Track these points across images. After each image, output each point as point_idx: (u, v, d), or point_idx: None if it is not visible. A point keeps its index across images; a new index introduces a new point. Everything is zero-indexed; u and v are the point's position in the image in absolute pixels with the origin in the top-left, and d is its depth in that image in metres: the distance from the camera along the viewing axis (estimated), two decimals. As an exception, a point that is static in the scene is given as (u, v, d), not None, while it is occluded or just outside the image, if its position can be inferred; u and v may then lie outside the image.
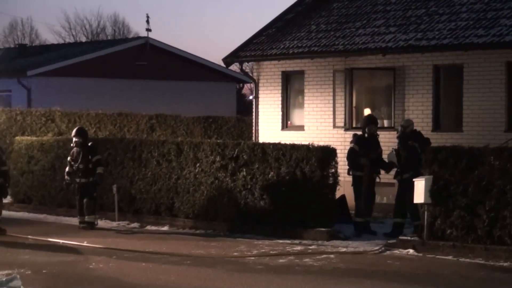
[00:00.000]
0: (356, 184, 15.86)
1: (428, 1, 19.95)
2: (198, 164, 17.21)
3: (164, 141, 18.34)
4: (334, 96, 20.09)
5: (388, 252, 13.98)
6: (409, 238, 14.26)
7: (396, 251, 13.97)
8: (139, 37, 36.51)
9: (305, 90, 20.61)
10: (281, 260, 13.25)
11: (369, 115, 17.16)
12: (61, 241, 15.45)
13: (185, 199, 17.32)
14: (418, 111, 18.74)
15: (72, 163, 17.40)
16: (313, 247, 14.59)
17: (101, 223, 17.66)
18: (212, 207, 16.85)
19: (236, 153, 16.62)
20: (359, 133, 16.40)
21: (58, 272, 12.31)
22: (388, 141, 17.34)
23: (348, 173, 16.04)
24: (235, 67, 25.89)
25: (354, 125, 19.43)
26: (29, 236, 16.01)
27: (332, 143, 17.14)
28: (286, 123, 21.13)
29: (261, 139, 20.68)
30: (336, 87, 20.08)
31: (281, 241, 15.15)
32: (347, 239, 15.19)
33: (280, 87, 21.09)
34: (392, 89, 19.16)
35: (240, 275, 12.08)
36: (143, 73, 32.15)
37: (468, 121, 18.08)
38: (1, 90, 30.61)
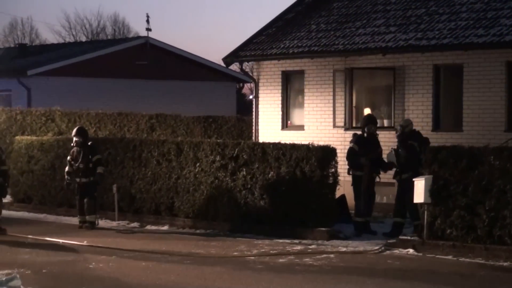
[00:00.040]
0: (355, 183, 15.87)
1: (428, 1, 19.94)
2: (198, 164, 17.21)
3: (164, 141, 18.34)
4: (334, 95, 20.09)
5: (388, 251, 13.99)
6: (409, 237, 14.27)
7: (396, 251, 13.97)
8: (139, 37, 36.52)
9: (305, 90, 20.61)
10: (281, 260, 13.25)
11: (368, 115, 17.16)
12: (61, 240, 15.45)
13: (185, 198, 17.32)
14: (418, 110, 18.74)
15: (72, 162, 17.41)
16: (313, 246, 14.59)
17: (101, 222, 17.66)
18: (212, 206, 16.85)
19: (236, 152, 16.62)
20: (359, 132, 16.40)
21: (58, 272, 12.32)
22: (388, 140, 17.34)
23: (348, 173, 16.05)
24: (235, 66, 25.91)
25: (354, 125, 19.43)
26: (29, 236, 16.01)
27: (332, 143, 17.14)
28: (286, 123, 21.13)
29: (261, 139, 20.68)
30: (336, 86, 20.08)
31: (281, 240, 15.15)
32: (347, 238, 15.19)
33: (280, 87, 21.09)
34: (392, 88, 19.16)
35: (240, 274, 12.08)
36: (143, 73, 32.15)
37: (468, 120, 18.08)
38: (1, 89, 30.60)
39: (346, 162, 16.08)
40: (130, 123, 26.24)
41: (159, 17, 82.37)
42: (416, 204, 14.34)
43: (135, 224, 17.79)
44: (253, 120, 21.71)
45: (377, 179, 16.05)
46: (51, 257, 13.68)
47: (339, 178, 15.84)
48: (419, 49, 18.48)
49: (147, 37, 33.37)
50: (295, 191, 15.64)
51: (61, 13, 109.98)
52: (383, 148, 16.21)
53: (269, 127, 21.17)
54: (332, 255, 13.65)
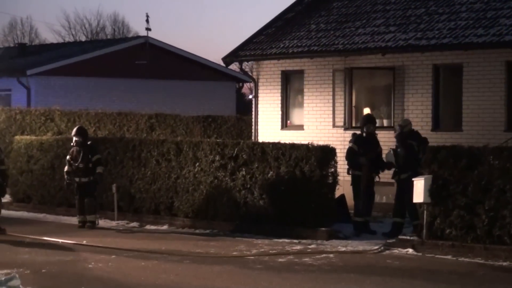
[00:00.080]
0: (355, 183, 15.86)
1: (428, 1, 19.94)
2: (197, 164, 17.21)
3: (163, 141, 18.34)
4: (333, 95, 20.09)
5: (387, 251, 13.98)
6: (408, 237, 14.26)
7: (396, 251, 13.97)
8: (138, 37, 36.52)
9: (305, 90, 20.61)
10: (280, 260, 13.25)
11: (367, 115, 17.16)
12: (60, 240, 15.45)
13: (185, 198, 17.32)
14: (418, 110, 18.74)
15: (72, 162, 17.41)
16: (312, 246, 14.59)
17: (100, 222, 17.65)
18: (211, 206, 16.85)
19: (235, 152, 16.62)
20: (358, 132, 16.40)
21: (57, 272, 12.31)
22: (387, 140, 17.33)
23: (348, 173, 16.04)
24: (234, 66, 25.89)
25: (353, 125, 19.43)
26: (28, 236, 16.00)
27: (332, 143, 17.14)
28: (285, 123, 21.13)
29: (261, 139, 20.68)
30: (335, 86, 20.09)
31: (280, 240, 15.14)
32: (346, 238, 15.19)
33: (279, 87, 21.09)
34: (391, 88, 19.15)
35: (240, 274, 12.07)
36: (143, 73, 32.15)
37: (467, 120, 18.08)
38: (0, 89, 30.60)
39: (346, 162, 16.07)
40: (129, 122, 26.23)
41: (159, 16, 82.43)
42: (416, 204, 14.34)
43: (135, 224, 17.79)
44: (253, 120, 21.71)
45: (377, 179, 16.05)
46: (50, 256, 13.67)
47: (339, 178, 15.84)
48: (418, 49, 18.47)
49: (146, 37, 33.36)
50: (294, 191, 15.64)
51: (60, 13, 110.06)
52: (382, 147, 16.21)
53: (268, 127, 21.17)
54: (331, 255, 13.64)
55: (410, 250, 13.87)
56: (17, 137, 21.95)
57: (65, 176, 17.56)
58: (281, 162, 15.94)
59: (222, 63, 24.92)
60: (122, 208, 18.28)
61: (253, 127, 21.71)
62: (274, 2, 77.50)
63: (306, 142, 16.13)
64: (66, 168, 17.57)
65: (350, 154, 15.87)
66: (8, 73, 30.42)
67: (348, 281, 11.54)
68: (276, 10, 65.22)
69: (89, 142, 17.62)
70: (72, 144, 17.62)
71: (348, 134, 17.14)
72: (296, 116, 21.01)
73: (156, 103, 31.08)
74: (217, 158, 16.86)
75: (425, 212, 13.92)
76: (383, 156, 16.10)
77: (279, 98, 21.08)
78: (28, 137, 21.84)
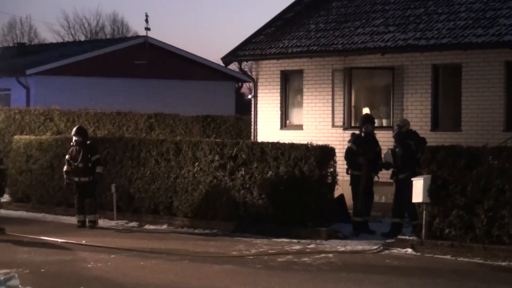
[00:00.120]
0: (354, 183, 15.86)
1: (427, 1, 19.95)
2: (196, 163, 17.21)
3: (163, 140, 18.33)
4: (333, 95, 20.10)
5: (386, 251, 13.99)
6: (407, 237, 14.26)
7: (395, 251, 13.97)
8: (138, 36, 36.52)
9: (304, 90, 20.61)
10: (279, 259, 13.24)
11: (365, 114, 17.16)
12: (59, 240, 15.44)
13: (184, 198, 17.32)
14: (417, 110, 18.74)
15: (71, 161, 17.41)
16: (311, 246, 14.59)
17: (99, 222, 17.65)
18: (210, 206, 16.85)
19: (234, 152, 16.62)
20: (357, 132, 16.40)
21: (56, 271, 12.31)
22: (387, 140, 17.33)
23: (347, 173, 16.05)
24: (234, 66, 25.89)
25: (353, 125, 19.42)
26: (28, 235, 15.99)
27: (331, 143, 17.14)
28: (285, 123, 21.14)
29: (260, 138, 20.68)
30: (335, 86, 20.09)
31: (279, 240, 15.14)
32: (345, 238, 15.19)
33: (279, 86, 21.09)
34: (391, 88, 19.16)
35: (239, 274, 12.07)
36: (142, 72, 32.15)
37: (466, 120, 18.08)
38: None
39: (345, 162, 16.08)
40: (128, 122, 26.22)
41: (158, 16, 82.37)
42: (414, 204, 14.34)
43: (134, 224, 17.78)
44: (252, 120, 21.71)
45: (376, 179, 16.05)
46: (50, 256, 13.67)
47: (338, 177, 15.84)
48: (418, 49, 18.47)
49: (146, 37, 33.37)
50: (293, 190, 15.64)
51: (60, 13, 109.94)
52: (382, 147, 16.20)
53: (267, 127, 21.17)
54: (330, 255, 13.65)
55: (409, 250, 13.87)
56: (16, 137, 21.94)
57: (65, 176, 17.57)
58: (280, 162, 15.94)
59: (221, 63, 24.92)
60: (121, 208, 18.28)
61: (252, 127, 21.70)
62: (274, 2, 77.50)
63: (305, 142, 16.13)
64: (65, 168, 17.57)
65: (349, 154, 15.87)
66: (7, 72, 30.42)
67: (347, 281, 11.54)
68: (276, 10, 65.18)
69: (88, 142, 17.63)
70: (71, 143, 17.62)
71: (347, 134, 17.13)
72: (295, 116, 21.01)
73: (155, 103, 31.07)
74: (216, 158, 16.86)
75: (424, 212, 13.92)
76: (382, 156, 16.10)
77: (278, 98, 21.08)
78: (27, 136, 21.84)
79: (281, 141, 16.51)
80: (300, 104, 20.84)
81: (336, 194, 16.17)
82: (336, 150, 15.96)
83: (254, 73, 21.81)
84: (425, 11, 19.61)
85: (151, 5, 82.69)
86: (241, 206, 16.37)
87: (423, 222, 13.92)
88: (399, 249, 14.00)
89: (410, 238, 14.18)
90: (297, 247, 14.52)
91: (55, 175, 19.68)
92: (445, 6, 19.45)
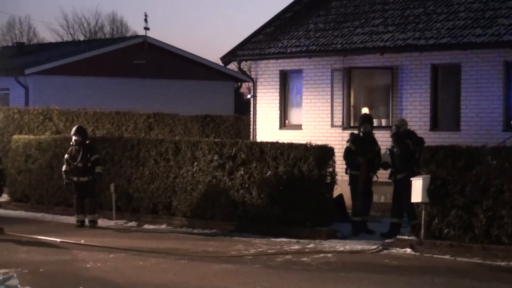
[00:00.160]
0: (353, 183, 15.86)
1: (426, 1, 19.95)
2: (195, 163, 17.20)
3: (162, 140, 18.33)
4: (332, 95, 20.09)
5: (385, 251, 13.98)
6: (406, 237, 14.26)
7: (394, 250, 13.97)
8: (137, 36, 36.52)
9: (303, 89, 20.60)
10: (278, 259, 13.24)
11: (364, 114, 17.15)
12: (58, 239, 15.43)
13: (183, 198, 17.31)
14: (416, 110, 18.74)
15: (70, 161, 17.41)
16: (310, 246, 14.58)
17: (99, 222, 17.64)
18: (209, 206, 16.84)
19: (234, 152, 16.61)
20: (356, 132, 16.39)
21: (55, 271, 12.30)
22: (386, 140, 17.32)
23: (346, 172, 16.04)
24: (233, 66, 25.90)
25: (352, 124, 19.43)
26: (26, 235, 15.98)
27: (330, 142, 17.12)
28: (284, 122, 21.14)
29: (259, 138, 20.67)
30: (334, 86, 20.09)
31: (278, 240, 15.14)
32: (344, 238, 15.18)
33: (278, 86, 21.08)
34: (390, 88, 19.16)
35: (238, 274, 12.07)
36: (141, 72, 32.15)
37: (466, 120, 18.09)
38: (-2, 88, 30.63)
39: (344, 162, 16.07)
40: (128, 122, 26.22)
41: (157, 16, 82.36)
42: (413, 203, 14.33)
43: (133, 223, 17.78)
44: (251, 120, 21.70)
45: (375, 178, 16.04)
46: (49, 256, 13.66)
47: (337, 177, 15.83)
48: (417, 49, 18.48)
49: (145, 36, 33.37)
50: (292, 190, 15.63)
51: (59, 12, 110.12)
52: (381, 147, 16.19)
53: (267, 127, 21.17)
54: (329, 255, 13.64)
55: (408, 250, 13.87)
56: (15, 137, 21.93)
57: (64, 176, 17.56)
58: (279, 161, 15.94)
59: (220, 63, 24.92)
60: (120, 207, 18.27)
61: (251, 126, 21.70)
62: (273, 2, 77.45)
63: (304, 142, 16.13)
64: (64, 168, 17.57)
65: (348, 154, 15.87)
66: (6, 72, 30.42)
67: (346, 281, 11.54)
68: (275, 10, 65.25)
69: (87, 142, 17.62)
70: (71, 143, 17.62)
71: (347, 134, 17.14)
72: (295, 116, 21.01)
73: (154, 102, 31.07)
74: (216, 157, 16.85)
75: (423, 212, 13.92)
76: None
77: (278, 97, 21.08)
78: (26, 136, 21.83)
79: (280, 141, 16.50)
80: (299, 104, 20.84)
81: (335, 194, 16.17)
82: (335, 150, 15.95)
83: (253, 73, 21.80)
84: (424, 11, 19.61)
85: (150, 4, 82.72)
86: (240, 206, 16.36)
87: (422, 222, 13.92)
88: (398, 249, 14.00)
89: (409, 238, 14.18)
90: (296, 247, 14.52)
91: (54, 174, 19.67)
92: (444, 6, 19.45)
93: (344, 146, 16.35)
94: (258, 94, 21.40)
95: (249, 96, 22.31)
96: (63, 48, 35.48)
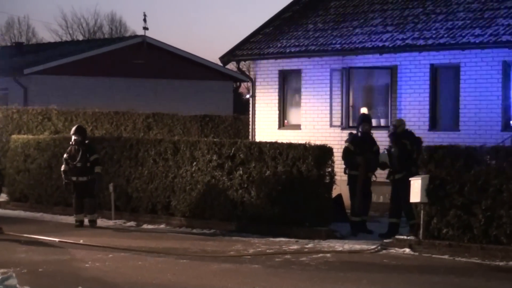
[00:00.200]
0: (351, 183, 15.86)
1: (425, 1, 19.96)
2: (194, 163, 17.20)
3: (160, 140, 18.33)
4: (331, 95, 20.10)
5: (384, 251, 13.99)
6: (405, 237, 14.26)
7: (392, 250, 13.97)
8: (136, 36, 36.51)
9: (302, 89, 20.61)
10: (277, 259, 13.24)
11: (362, 114, 17.16)
12: (57, 239, 15.43)
13: (182, 197, 17.31)
14: (415, 110, 18.75)
15: (69, 161, 17.40)
16: (309, 246, 14.59)
17: (98, 221, 17.63)
18: (208, 206, 16.84)
19: (232, 152, 16.61)
20: (355, 131, 16.40)
21: (54, 271, 12.30)
22: (385, 140, 17.31)
23: (345, 172, 16.05)
24: (232, 65, 25.87)
25: (350, 124, 19.43)
26: (25, 235, 15.97)
27: (329, 142, 17.13)
28: (283, 122, 21.14)
29: (258, 138, 20.68)
30: (333, 86, 20.10)
31: (277, 240, 15.15)
32: (343, 238, 15.19)
33: (277, 86, 21.09)
34: (389, 88, 19.17)
35: (237, 273, 12.07)
36: (140, 72, 32.14)
37: (465, 120, 18.10)
38: (-3, 88, 30.62)
39: (343, 162, 16.07)
40: (126, 122, 26.21)
41: (156, 16, 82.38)
42: (411, 203, 14.33)
43: (132, 223, 17.78)
44: (250, 119, 21.70)
45: (374, 178, 16.05)
46: (47, 256, 13.66)
47: (336, 177, 15.83)
48: (416, 49, 18.49)
49: (144, 36, 33.36)
50: (291, 190, 15.64)
51: (58, 12, 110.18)
52: (380, 147, 16.19)
53: (265, 126, 21.17)
54: (328, 255, 13.65)
55: (407, 250, 13.88)
56: (14, 136, 21.93)
57: (63, 176, 17.56)
58: (278, 161, 15.94)
59: (219, 63, 24.89)
60: (119, 207, 18.27)
61: (250, 126, 21.70)
62: (272, 2, 77.43)
63: (303, 142, 16.13)
64: (63, 167, 17.57)
65: (347, 154, 15.88)
66: (5, 72, 30.42)
67: (345, 281, 11.54)
68: (274, 10, 65.24)
69: (87, 142, 17.63)
70: (70, 143, 17.62)
71: (346, 134, 17.14)
72: (293, 116, 21.01)
73: (153, 102, 31.07)
74: (214, 157, 16.85)
75: (422, 211, 13.92)
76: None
77: (277, 97, 21.08)
78: (25, 136, 21.82)
79: (279, 141, 16.51)
80: (298, 104, 20.84)
81: (334, 193, 16.17)
82: (334, 150, 15.96)
83: (252, 72, 21.80)
84: (423, 11, 19.62)
85: (149, 4, 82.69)
86: (239, 205, 16.36)
87: (421, 222, 13.93)
88: (397, 248, 14.01)
89: (408, 238, 14.18)
90: (295, 246, 14.52)
91: (53, 174, 19.67)
92: (443, 6, 19.46)
93: (343, 146, 16.36)
94: (257, 94, 21.40)
95: (248, 96, 22.31)
96: (62, 48, 35.48)
